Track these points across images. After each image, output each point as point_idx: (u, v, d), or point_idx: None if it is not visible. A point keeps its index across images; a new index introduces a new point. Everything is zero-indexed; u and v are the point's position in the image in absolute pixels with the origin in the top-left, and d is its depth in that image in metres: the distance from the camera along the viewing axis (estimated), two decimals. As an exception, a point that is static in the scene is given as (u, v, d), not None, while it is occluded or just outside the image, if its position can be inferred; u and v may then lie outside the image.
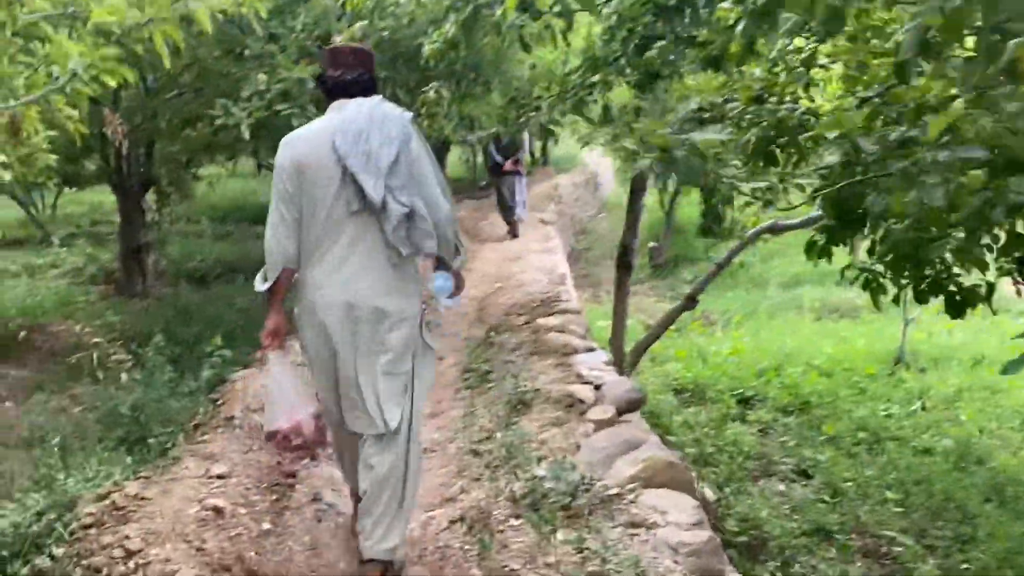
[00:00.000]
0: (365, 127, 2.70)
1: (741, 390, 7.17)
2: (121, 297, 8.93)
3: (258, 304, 7.19)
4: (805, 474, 5.91)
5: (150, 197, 9.32)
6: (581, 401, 4.10)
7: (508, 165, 10.72)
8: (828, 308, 10.35)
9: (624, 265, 6.65)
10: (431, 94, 4.31)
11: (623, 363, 6.49)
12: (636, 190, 6.54)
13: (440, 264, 3.00)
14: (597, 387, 4.25)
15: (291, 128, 3.44)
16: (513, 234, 10.78)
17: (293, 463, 3.84)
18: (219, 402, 4.54)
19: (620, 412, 3.89)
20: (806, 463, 5.96)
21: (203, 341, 5.95)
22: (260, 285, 2.88)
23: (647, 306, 12.18)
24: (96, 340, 4.52)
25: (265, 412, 3.07)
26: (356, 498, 3.08)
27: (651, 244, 14.20)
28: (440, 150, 16.21)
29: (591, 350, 5.00)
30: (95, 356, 4.47)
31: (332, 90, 2.88)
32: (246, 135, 5.01)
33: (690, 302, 6.46)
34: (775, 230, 6.34)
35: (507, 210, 10.86)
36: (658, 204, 20.02)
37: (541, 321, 5.72)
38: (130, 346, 5.69)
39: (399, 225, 2.69)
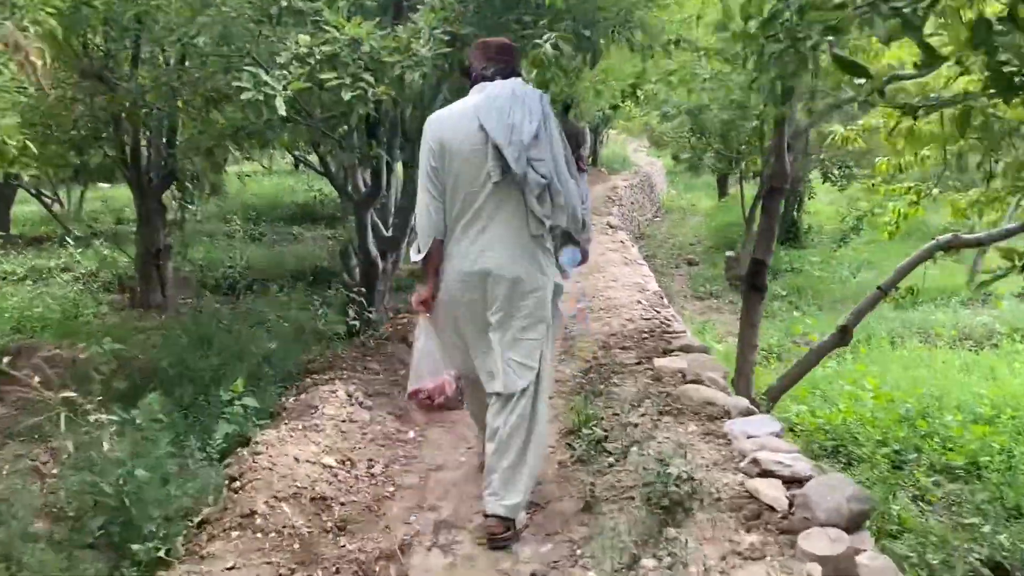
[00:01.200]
0: (508, 103, 2.89)
1: (889, 443, 5.72)
2: (136, 309, 7.74)
3: (294, 331, 5.95)
4: (1002, 569, 4.45)
5: (171, 194, 8.13)
6: (771, 508, 2.72)
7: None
8: (960, 333, 8.83)
9: (756, 286, 5.26)
10: (547, 48, 2.98)
11: (752, 396, 5.09)
12: (773, 190, 5.14)
13: (567, 240, 3.17)
14: (787, 482, 2.87)
15: (341, 105, 3.35)
16: None
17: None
18: (237, 484, 3.22)
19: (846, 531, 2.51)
20: (1003, 554, 4.50)
21: (224, 378, 4.68)
22: (415, 255, 3.08)
23: (728, 323, 10.73)
24: (68, 394, 3.22)
25: (411, 372, 3.29)
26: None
27: (728, 253, 12.73)
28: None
29: (749, 412, 3.60)
30: (62, 416, 3.17)
31: (476, 79, 3.09)
32: (281, 110, 3.71)
33: (843, 335, 5.04)
34: (954, 245, 4.89)
35: None
36: (727, 208, 18.55)
37: (661, 363, 4.34)
38: (131, 383, 4.45)
39: (541, 195, 2.91)
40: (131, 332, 6.39)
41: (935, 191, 5.82)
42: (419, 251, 3.05)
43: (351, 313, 5.95)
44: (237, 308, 7.48)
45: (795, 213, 15.62)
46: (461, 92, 4.86)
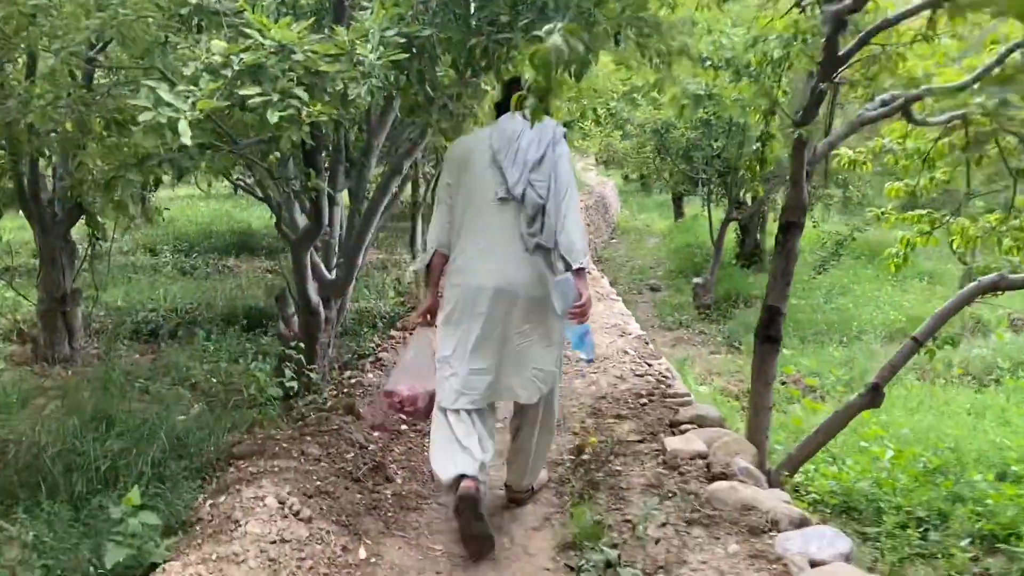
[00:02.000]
0: (520, 128, 3.13)
1: (911, 507, 4.99)
2: (39, 363, 6.67)
3: (221, 392, 5.01)
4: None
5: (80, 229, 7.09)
6: None
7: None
8: (956, 369, 8.24)
9: (771, 337, 4.48)
10: (556, 39, 2.15)
11: (767, 470, 4.30)
12: (790, 225, 4.36)
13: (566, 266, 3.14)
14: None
15: (269, 128, 2.96)
16: None
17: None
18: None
19: None
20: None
21: (124, 470, 3.72)
22: (418, 264, 3.63)
23: (698, 357, 10.02)
24: None
25: (393, 371, 3.53)
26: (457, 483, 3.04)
27: (696, 279, 12.06)
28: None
29: (803, 522, 2.79)
30: None
31: (502, 110, 3.32)
32: (186, 137, 2.81)
33: (874, 395, 4.29)
34: (1001, 287, 4.19)
35: None
36: (686, 229, 17.99)
37: (673, 444, 3.52)
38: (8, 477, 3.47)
39: (534, 216, 3.08)
40: (27, 393, 5.36)
41: (953, 219, 5.15)
42: (422, 261, 3.33)
43: (288, 373, 5.03)
44: (157, 360, 6.47)
45: (758, 235, 15.09)
46: (416, 111, 4.07)
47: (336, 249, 5.81)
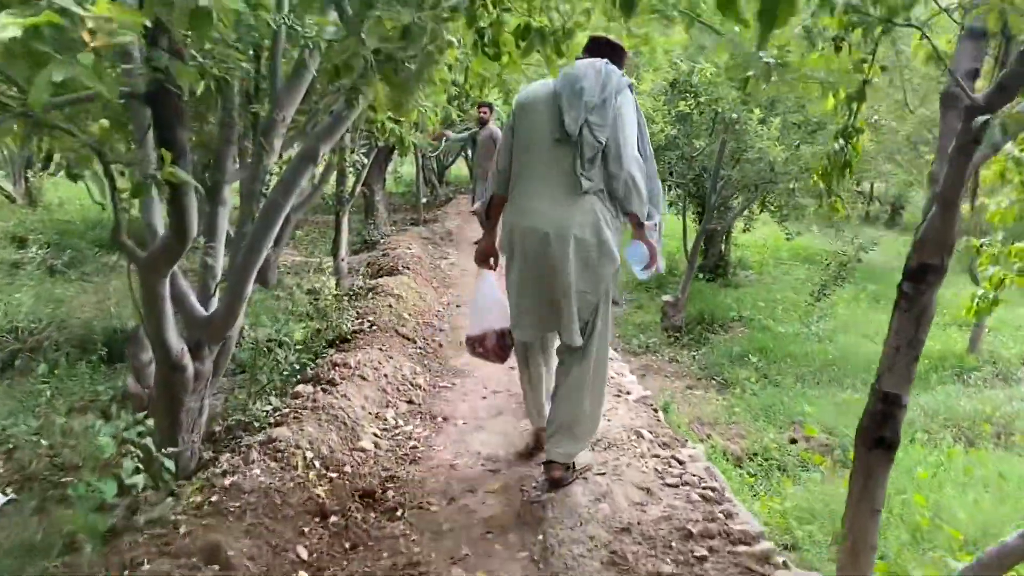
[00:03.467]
0: (583, 72, 3.09)
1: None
2: None
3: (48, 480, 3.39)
4: None
5: None
6: None
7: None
8: (957, 424, 6.88)
9: (882, 441, 2.90)
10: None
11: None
12: (925, 270, 2.79)
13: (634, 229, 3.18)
14: None
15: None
16: None
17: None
18: None
19: None
20: None
21: None
22: (476, 208, 4.00)
23: (676, 393, 8.52)
24: None
25: (469, 320, 3.60)
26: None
27: (665, 297, 10.56)
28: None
29: None
30: None
31: None
32: None
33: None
34: None
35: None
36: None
37: None
38: None
39: (592, 158, 3.04)
40: None
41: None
42: (481, 205, 3.62)
43: (133, 462, 3.26)
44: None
45: (723, 245, 13.73)
46: (345, 71, 3.26)
47: (218, 271, 4.03)
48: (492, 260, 3.48)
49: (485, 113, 10.34)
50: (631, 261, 3.21)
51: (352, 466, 3.58)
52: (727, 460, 6.01)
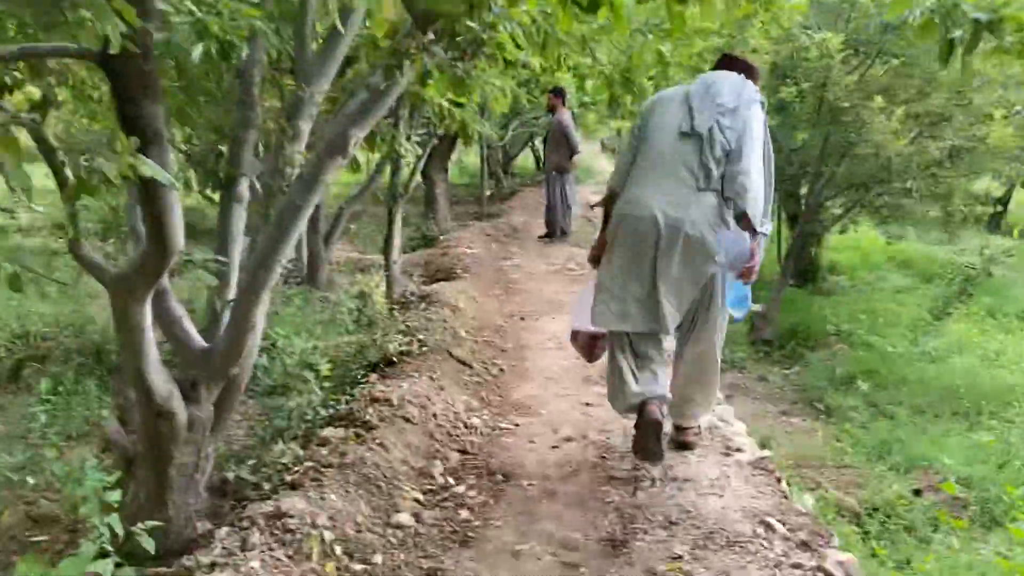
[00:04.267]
0: (719, 81, 3.17)
1: None
2: None
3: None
4: None
5: None
6: None
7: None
8: None
9: None
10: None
11: None
12: None
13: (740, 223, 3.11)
14: None
15: None
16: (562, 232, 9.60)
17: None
18: None
19: None
20: None
21: None
22: (595, 202, 3.73)
23: (772, 420, 7.49)
24: None
25: (573, 315, 3.68)
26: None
27: (755, 307, 9.51)
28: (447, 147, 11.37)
29: None
30: None
31: None
32: None
33: None
34: None
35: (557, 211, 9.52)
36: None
37: None
38: None
39: (719, 157, 3.06)
40: None
41: None
42: (601, 201, 3.48)
43: (94, 542, 2.47)
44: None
45: (813, 248, 12.51)
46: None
47: (230, 288, 3.22)
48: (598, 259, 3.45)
49: (555, 100, 9.42)
50: (727, 251, 3.09)
51: (385, 551, 2.73)
52: (842, 516, 4.99)
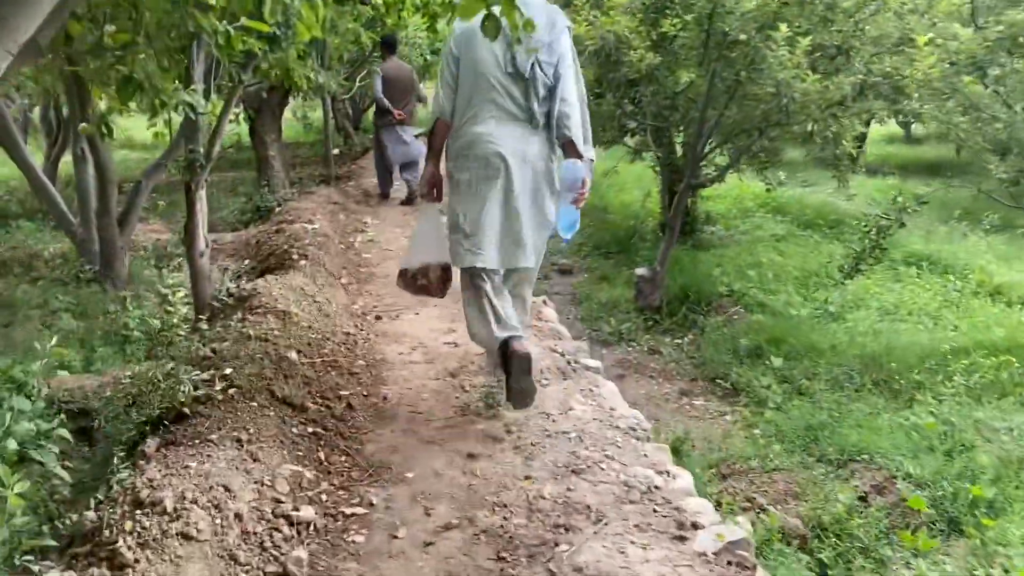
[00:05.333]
0: (532, 13, 2.73)
1: None
2: None
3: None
4: None
5: None
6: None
7: (398, 114, 8.52)
8: None
9: None
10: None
11: None
12: None
13: (567, 153, 3.32)
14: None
15: None
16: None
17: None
18: None
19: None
20: None
21: None
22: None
23: (673, 406, 6.57)
24: None
25: (406, 253, 3.63)
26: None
27: (639, 271, 8.50)
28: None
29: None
30: None
31: None
32: None
33: None
34: None
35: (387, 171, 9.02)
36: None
37: None
38: None
39: (545, 96, 3.26)
40: None
41: None
42: (424, 131, 3.64)
43: None
44: None
45: (689, 199, 11.75)
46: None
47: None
48: (436, 191, 3.49)
49: (383, 50, 8.86)
50: (564, 174, 3.27)
51: None
52: (788, 544, 4.06)
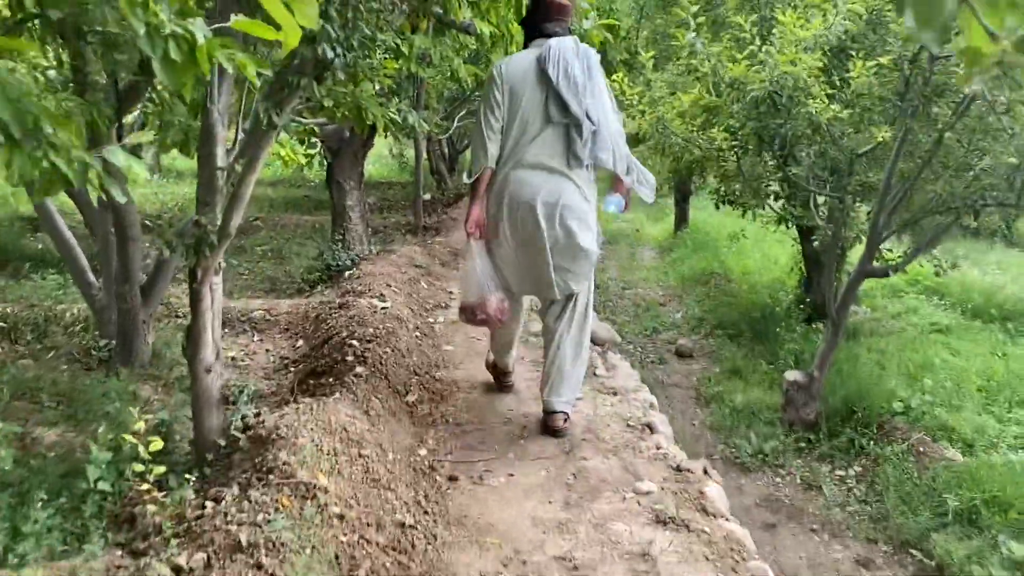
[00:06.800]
0: (570, 58, 3.37)
1: None
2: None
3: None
4: None
5: None
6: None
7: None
8: None
9: None
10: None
11: None
12: None
13: (612, 185, 3.66)
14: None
15: None
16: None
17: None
18: None
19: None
20: None
21: None
22: (467, 178, 3.55)
23: (826, 569, 4.82)
24: None
25: (461, 289, 3.80)
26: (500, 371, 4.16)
27: (790, 376, 6.75)
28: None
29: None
30: None
31: (535, 33, 3.56)
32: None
33: None
34: None
35: None
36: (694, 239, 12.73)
37: None
38: None
39: (588, 138, 3.38)
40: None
41: None
42: (470, 175, 3.52)
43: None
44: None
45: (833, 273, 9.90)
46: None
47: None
48: (480, 230, 3.56)
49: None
50: (606, 206, 3.65)
51: None
52: None
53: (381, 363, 4.06)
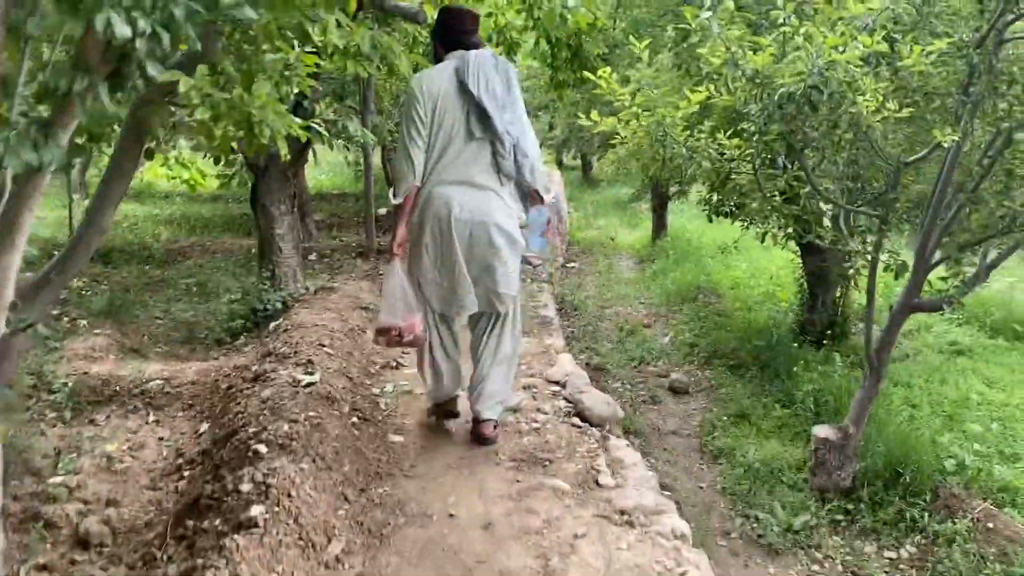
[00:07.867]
0: (489, 72, 3.32)
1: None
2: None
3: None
4: None
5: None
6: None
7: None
8: None
9: None
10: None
11: None
12: None
13: (529, 199, 3.55)
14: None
15: None
16: None
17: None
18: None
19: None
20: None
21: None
22: (394, 199, 3.40)
23: None
24: None
25: (381, 310, 3.51)
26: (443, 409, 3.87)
27: (821, 431, 5.53)
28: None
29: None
30: None
31: (450, 45, 3.45)
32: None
33: None
34: None
35: None
36: (674, 249, 11.54)
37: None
38: None
39: (508, 153, 3.34)
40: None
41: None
42: (396, 196, 3.40)
43: None
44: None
45: (838, 291, 8.80)
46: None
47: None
48: (402, 250, 3.51)
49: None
50: (531, 222, 3.57)
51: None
52: None
53: (291, 495, 2.77)
